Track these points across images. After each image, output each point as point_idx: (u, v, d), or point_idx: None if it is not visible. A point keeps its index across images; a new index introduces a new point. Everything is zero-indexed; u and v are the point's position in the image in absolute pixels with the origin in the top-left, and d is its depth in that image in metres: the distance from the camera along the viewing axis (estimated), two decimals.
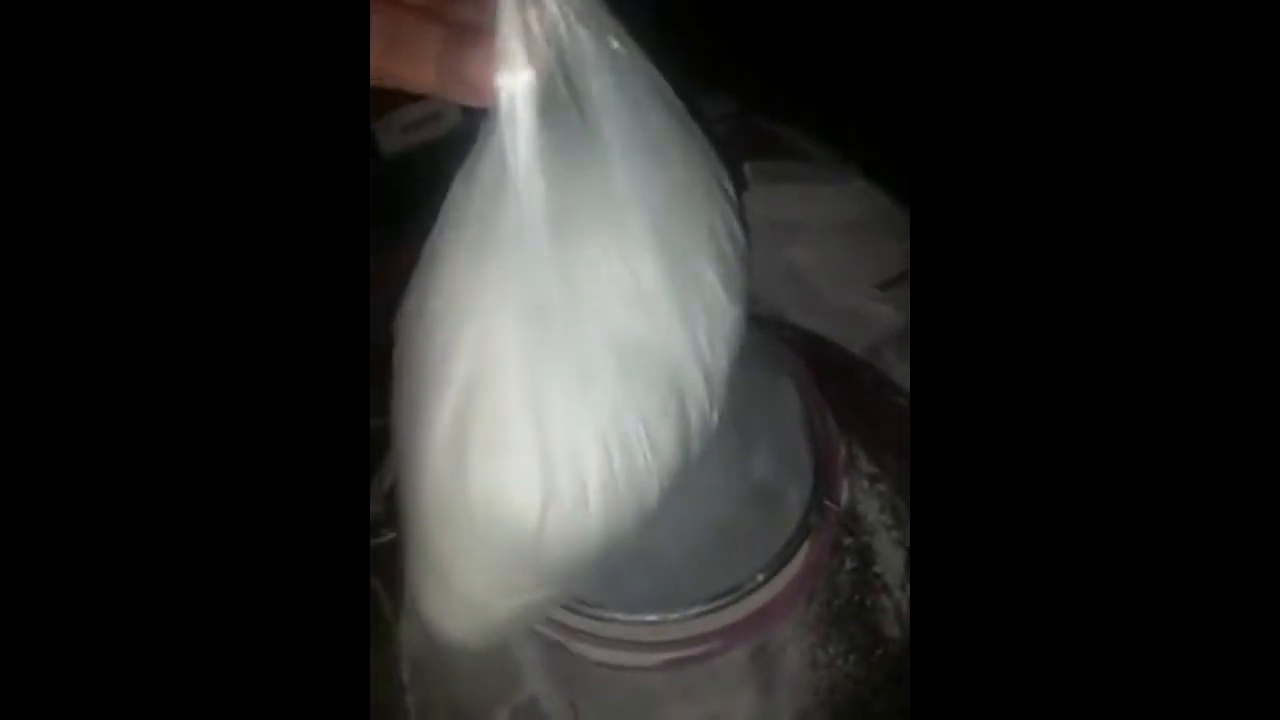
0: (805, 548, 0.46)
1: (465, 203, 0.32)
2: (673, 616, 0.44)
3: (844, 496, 0.49)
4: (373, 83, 0.30)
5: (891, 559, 0.49)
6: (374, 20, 0.30)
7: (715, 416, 0.37)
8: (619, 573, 0.45)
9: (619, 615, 0.44)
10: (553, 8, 0.29)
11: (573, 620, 0.44)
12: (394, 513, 0.39)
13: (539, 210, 0.31)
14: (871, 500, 0.51)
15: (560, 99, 0.31)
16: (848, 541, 0.49)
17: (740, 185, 0.39)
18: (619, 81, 0.31)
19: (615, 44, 0.31)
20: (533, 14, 0.29)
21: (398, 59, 0.30)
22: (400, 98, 0.37)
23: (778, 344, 0.54)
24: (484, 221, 0.32)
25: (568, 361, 0.33)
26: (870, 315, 0.60)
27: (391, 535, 0.41)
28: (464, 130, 0.34)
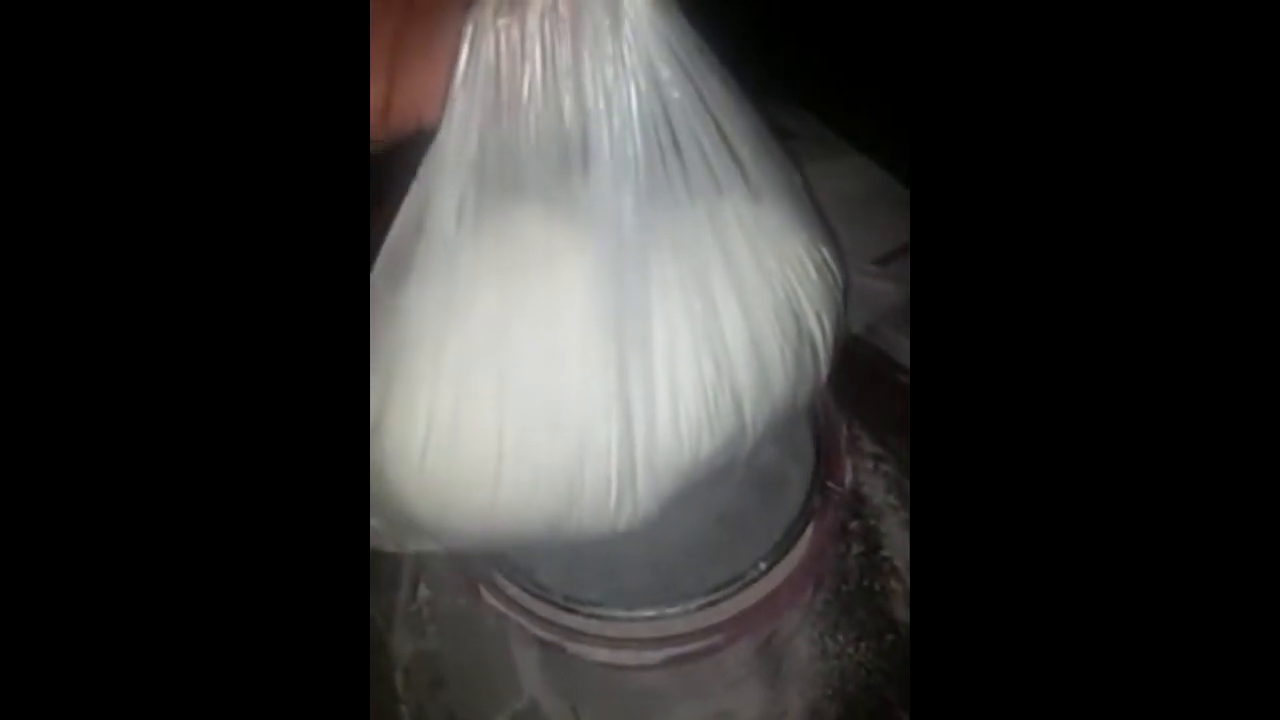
0: (809, 532, 0.44)
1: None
2: (671, 611, 0.42)
3: (847, 478, 0.47)
4: None
5: (899, 541, 0.47)
6: None
7: None
8: (615, 567, 0.43)
9: (616, 612, 0.42)
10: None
11: (569, 620, 0.42)
12: None
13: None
14: (877, 481, 0.49)
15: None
16: (853, 525, 0.47)
17: None
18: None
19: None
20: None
21: None
22: None
23: None
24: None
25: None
26: (869, 292, 0.58)
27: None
28: None
